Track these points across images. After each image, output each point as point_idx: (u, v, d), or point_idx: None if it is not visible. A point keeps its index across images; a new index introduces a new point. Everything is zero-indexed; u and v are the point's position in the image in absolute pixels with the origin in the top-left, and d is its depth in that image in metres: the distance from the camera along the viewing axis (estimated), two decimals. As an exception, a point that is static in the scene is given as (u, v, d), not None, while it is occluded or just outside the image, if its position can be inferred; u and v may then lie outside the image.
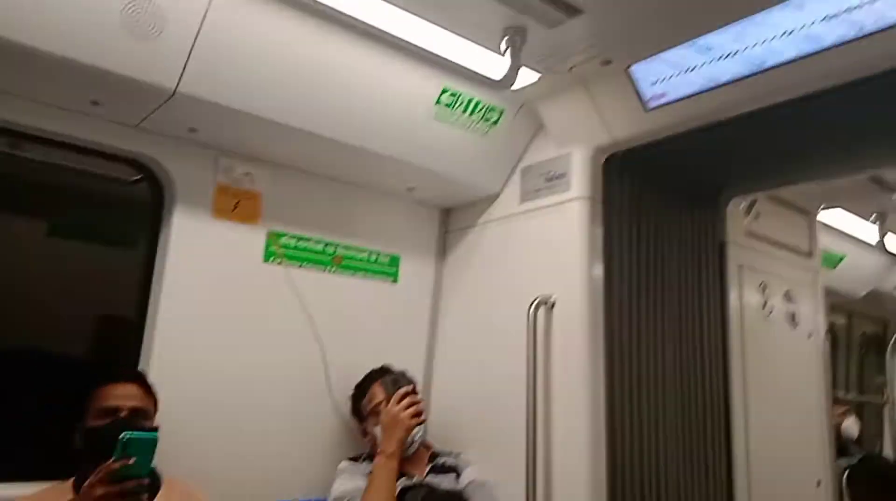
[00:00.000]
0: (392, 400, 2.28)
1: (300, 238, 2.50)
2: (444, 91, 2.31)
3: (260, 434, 2.31)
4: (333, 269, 2.57)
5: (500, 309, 2.49)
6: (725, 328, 2.86)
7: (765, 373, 2.96)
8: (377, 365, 2.46)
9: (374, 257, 2.68)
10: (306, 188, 2.54)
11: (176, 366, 2.14)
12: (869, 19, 1.77)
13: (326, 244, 2.56)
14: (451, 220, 2.88)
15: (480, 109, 2.42)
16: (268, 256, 2.41)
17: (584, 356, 2.24)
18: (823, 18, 1.83)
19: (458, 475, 2.33)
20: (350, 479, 2.20)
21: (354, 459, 2.31)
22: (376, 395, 2.36)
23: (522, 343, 2.28)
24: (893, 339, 5.48)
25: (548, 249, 2.42)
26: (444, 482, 2.27)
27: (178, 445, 1.95)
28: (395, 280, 2.73)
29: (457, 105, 2.36)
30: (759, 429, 2.86)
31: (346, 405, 2.48)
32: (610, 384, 2.26)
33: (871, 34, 1.79)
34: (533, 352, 2.26)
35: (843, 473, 3.59)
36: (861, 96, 2.07)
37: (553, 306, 2.33)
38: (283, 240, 2.46)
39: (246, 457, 2.26)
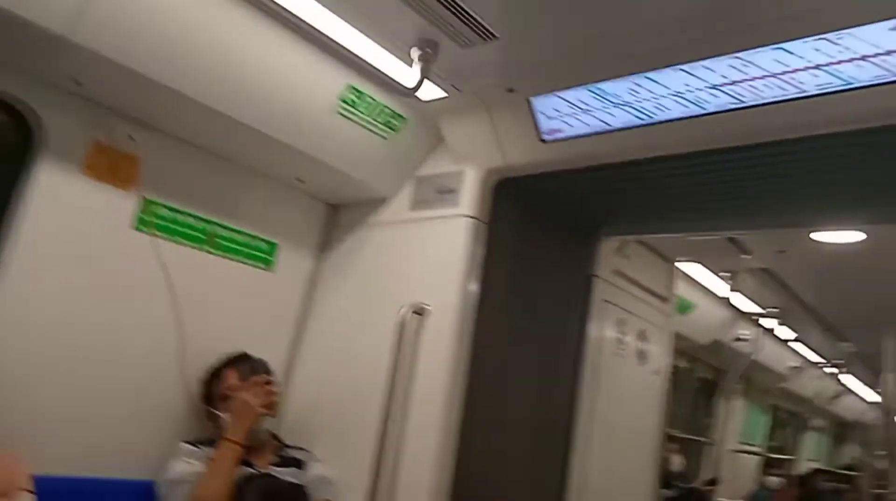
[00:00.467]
0: (246, 387, 2.23)
1: (176, 211, 2.39)
2: (350, 88, 2.30)
3: (97, 405, 2.17)
4: (206, 248, 2.47)
5: (374, 312, 2.50)
6: (581, 355, 3.02)
7: (610, 403, 3.14)
8: (237, 351, 2.40)
9: (251, 242, 2.60)
10: (191, 162, 2.44)
11: (20, 322, 2.00)
12: (747, 95, 1.95)
13: (203, 222, 2.47)
14: (338, 216, 2.86)
15: (384, 114, 2.43)
16: (138, 224, 2.29)
17: (447, 369, 2.28)
18: (710, 87, 2.00)
19: (304, 469, 2.30)
20: (187, 462, 2.12)
21: (195, 443, 2.22)
22: (230, 380, 2.29)
23: (388, 348, 2.30)
24: (726, 386, 6.02)
25: (429, 259, 2.45)
26: (289, 475, 2.24)
27: (10, 403, 1.85)
28: (270, 268, 2.66)
29: (361, 104, 2.36)
30: (597, 454, 3.02)
31: (197, 388, 2.38)
32: (467, 400, 2.32)
33: (747, 107, 1.97)
34: (398, 358, 2.29)
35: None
36: (731, 163, 2.27)
37: (425, 315, 2.36)
38: (158, 210, 2.34)
39: (78, 425, 2.12)
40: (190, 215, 2.43)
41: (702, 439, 6.22)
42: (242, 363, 2.33)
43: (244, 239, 2.58)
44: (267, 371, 2.34)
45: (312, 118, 2.30)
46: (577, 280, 3.05)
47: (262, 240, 2.64)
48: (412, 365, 2.32)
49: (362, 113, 2.37)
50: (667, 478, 4.57)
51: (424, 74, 2.08)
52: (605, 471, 3.07)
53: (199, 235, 2.46)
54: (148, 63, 1.93)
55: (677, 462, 5.15)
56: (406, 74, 2.09)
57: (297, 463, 2.31)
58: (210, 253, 2.49)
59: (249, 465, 2.18)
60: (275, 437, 2.39)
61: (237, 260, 2.57)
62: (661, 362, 3.68)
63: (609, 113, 2.19)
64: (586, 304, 3.08)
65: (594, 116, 2.23)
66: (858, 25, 1.70)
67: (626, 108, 2.15)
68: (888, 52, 1.69)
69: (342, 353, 2.58)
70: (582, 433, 2.95)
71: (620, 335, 3.33)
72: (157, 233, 2.33)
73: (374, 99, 2.37)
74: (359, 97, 2.34)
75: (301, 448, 2.39)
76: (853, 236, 3.45)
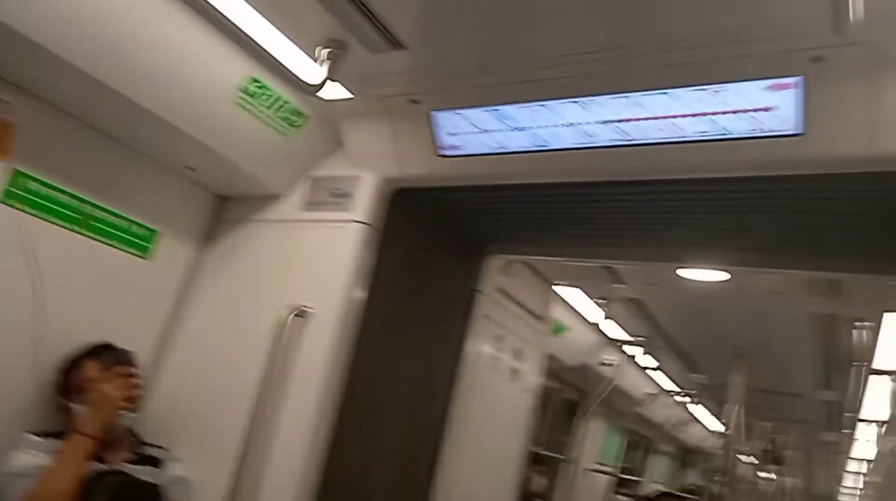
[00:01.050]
0: (107, 378, 2.09)
1: (50, 187, 2.22)
2: (253, 80, 2.24)
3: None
4: (80, 229, 2.31)
5: (254, 311, 2.43)
6: (459, 368, 3.07)
7: (481, 416, 3.22)
8: (100, 341, 2.25)
9: (129, 227, 2.45)
10: (73, 136, 2.28)
11: None
12: (633, 133, 2.08)
13: (79, 201, 2.30)
14: (226, 209, 2.76)
15: (285, 109, 2.38)
16: (4, 196, 2.11)
17: (323, 375, 2.25)
18: (601, 121, 2.11)
19: (161, 469, 2.19)
20: (32, 454, 1.96)
21: (42, 434, 2.04)
22: (90, 370, 2.14)
23: (266, 348, 2.24)
24: (588, 407, 6.30)
25: (316, 262, 2.42)
26: (144, 473, 2.13)
27: None
28: (147, 256, 2.52)
29: (261, 97, 2.30)
30: (464, 466, 3.07)
31: (53, 377, 2.21)
32: (340, 407, 2.30)
33: (632, 145, 2.10)
34: (273, 361, 2.23)
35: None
36: (611, 196, 2.40)
37: (307, 317, 2.32)
38: (29, 184, 2.17)
39: None
40: (65, 192, 2.26)
41: (561, 457, 6.48)
42: (105, 353, 2.19)
43: (122, 223, 2.43)
44: (131, 364, 2.21)
45: (209, 106, 2.21)
46: (462, 294, 3.11)
47: (142, 226, 2.50)
48: (287, 368, 2.27)
49: (262, 106, 2.32)
50: (527, 497, 4.72)
51: (330, 75, 2.06)
52: (469, 483, 3.13)
53: (74, 214, 2.29)
54: (30, 23, 1.79)
55: (540, 482, 5.33)
56: (311, 71, 2.06)
57: (155, 462, 2.19)
58: (83, 235, 2.32)
59: (102, 461, 2.04)
60: (133, 433, 2.25)
61: (112, 245, 2.41)
62: (533, 380, 3.81)
63: (507, 136, 2.26)
64: (468, 318, 3.15)
65: (491, 138, 2.29)
66: (736, 81, 1.86)
67: (524, 132, 2.23)
68: (760, 109, 1.86)
69: (215, 351, 2.48)
70: (451, 445, 3.00)
71: (497, 351, 3.42)
72: (26, 208, 2.16)
73: (275, 93, 2.32)
74: (260, 89, 2.28)
75: (160, 447, 2.27)
76: (717, 275, 3.75)
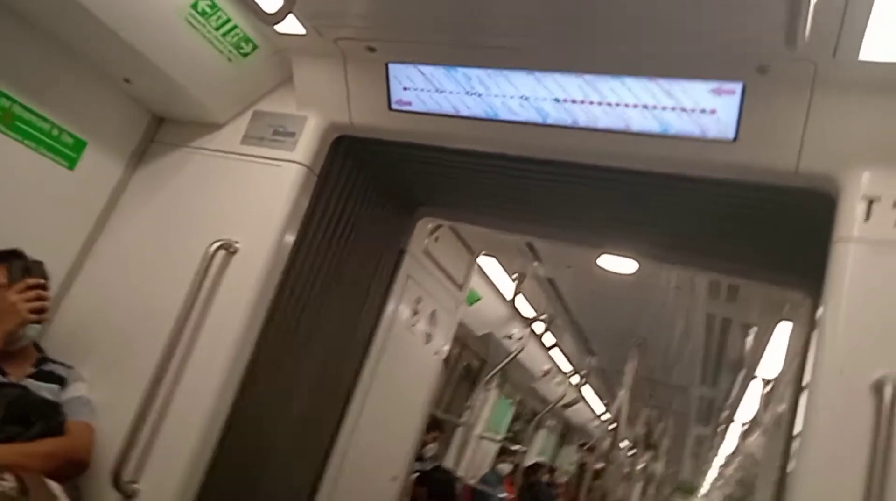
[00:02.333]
0: (15, 288, 1.98)
1: (-31, 73, 2.04)
2: (205, -3, 2.14)
3: None
4: (0, 127, 2.15)
5: (180, 238, 2.35)
6: (377, 324, 3.10)
7: (391, 374, 3.25)
8: (9, 247, 2.11)
9: (56, 132, 2.29)
10: (8, 29, 2.11)
11: None
12: (582, 116, 2.14)
13: (4, 97, 2.13)
14: (161, 130, 2.63)
15: (235, 34, 2.28)
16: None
17: (244, 313, 2.22)
18: (553, 99, 2.15)
19: (64, 387, 2.11)
20: None
21: None
22: None
23: (189, 278, 2.18)
24: (487, 376, 6.50)
25: (250, 198, 2.36)
26: (45, 390, 2.04)
27: None
28: (71, 166, 2.36)
29: (213, 18, 2.19)
30: (367, 420, 3.11)
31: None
32: (256, 348, 2.28)
33: (579, 128, 2.15)
34: (196, 290, 2.18)
35: (415, 474, 4.12)
36: (548, 175, 2.45)
37: (234, 253, 2.27)
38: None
39: None
40: None
41: (458, 421, 6.66)
42: (14, 261, 2.06)
43: (48, 128, 2.26)
44: (43, 275, 2.09)
45: (157, 17, 2.10)
46: (389, 252, 3.11)
47: (71, 135, 2.34)
48: (209, 301, 2.22)
49: (212, 27, 2.21)
50: (419, 458, 4.83)
51: (289, 7, 1.98)
52: (370, 437, 3.17)
53: None
54: None
55: (433, 448, 5.46)
56: (269, 0, 1.99)
57: (58, 380, 2.10)
58: (4, 133, 2.15)
59: (2, 373, 1.95)
60: (37, 348, 2.15)
61: (35, 149, 2.24)
62: (443, 345, 3.88)
63: (461, 99, 2.26)
64: (392, 276, 3.16)
65: (445, 98, 2.29)
66: (684, 78, 1.94)
67: (478, 98, 2.24)
68: (703, 111, 1.95)
69: (136, 274, 2.39)
70: (360, 397, 3.03)
71: (414, 312, 3.45)
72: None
73: (227, 16, 2.22)
74: (212, 9, 2.17)
75: (65, 365, 2.18)
76: (629, 266, 3.93)
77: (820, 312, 1.79)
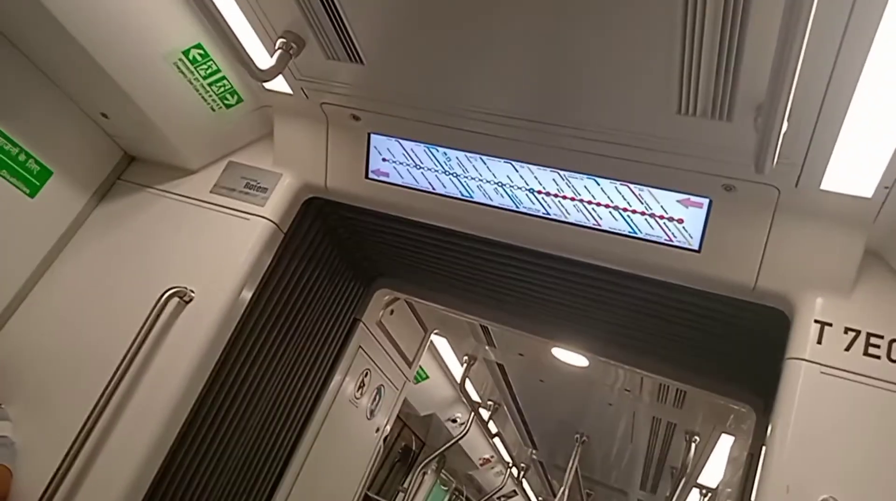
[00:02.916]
0: None
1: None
2: (197, 45, 2.15)
3: None
4: (-36, 143, 2.07)
5: (134, 280, 2.28)
6: (322, 393, 3.01)
7: (329, 446, 3.14)
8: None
9: (22, 158, 2.22)
10: None
11: None
12: (555, 209, 2.18)
13: None
14: (129, 169, 2.59)
15: (222, 85, 2.30)
16: None
17: (192, 364, 2.15)
18: (528, 189, 2.20)
19: None
20: None
21: None
22: None
23: (138, 323, 2.10)
24: (426, 460, 6.31)
25: (212, 248, 2.32)
26: None
27: None
28: (32, 194, 2.27)
29: (203, 66, 2.21)
30: (300, 492, 2.97)
31: None
32: (201, 399, 2.19)
33: (551, 219, 2.19)
34: (144, 336, 2.10)
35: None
36: (513, 262, 2.48)
37: (189, 302, 2.21)
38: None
39: None
40: None
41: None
42: None
43: (16, 152, 2.19)
44: None
45: (146, 59, 2.10)
46: (343, 320, 3.06)
47: (37, 161, 2.27)
48: (155, 349, 2.14)
49: (200, 75, 2.22)
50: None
51: (281, 67, 2.02)
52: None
53: None
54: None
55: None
56: (262, 58, 2.01)
57: None
58: None
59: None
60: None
61: None
62: (385, 422, 3.78)
63: (438, 177, 2.30)
64: (343, 345, 3.10)
65: (422, 174, 2.32)
66: (652, 187, 2.01)
67: (454, 178, 2.28)
68: (671, 219, 2.01)
69: (81, 312, 2.29)
70: (293, 469, 2.91)
71: (361, 384, 3.37)
72: None
73: (217, 66, 2.24)
74: (203, 59, 2.19)
75: None
76: (580, 361, 3.93)
77: (770, 429, 1.80)
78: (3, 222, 2.24)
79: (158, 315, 2.12)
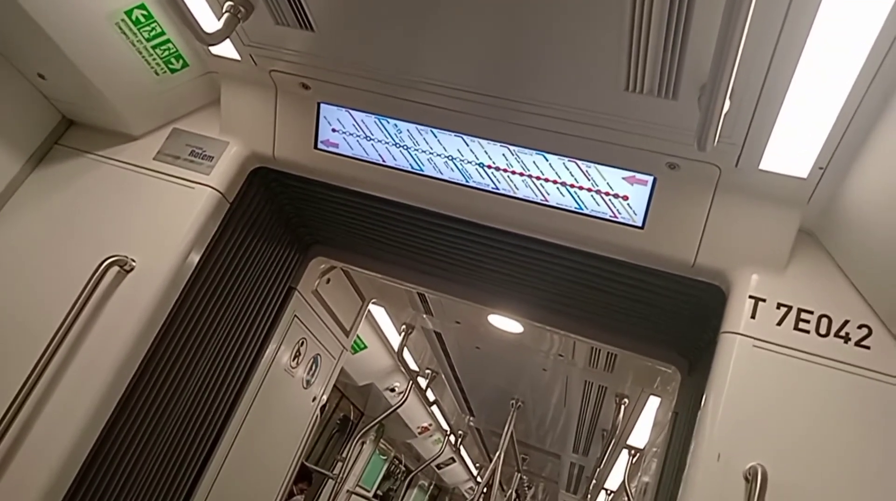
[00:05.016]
0: None
1: None
2: (140, 6, 2.07)
3: None
4: None
5: (71, 248, 2.20)
6: (257, 362, 2.99)
7: (264, 415, 3.13)
8: None
9: None
10: None
11: None
12: (504, 183, 2.22)
13: None
14: (68, 133, 2.47)
15: (167, 49, 2.22)
16: None
17: (133, 333, 2.10)
18: (478, 163, 2.23)
19: None
20: None
21: None
22: None
23: (76, 291, 2.03)
24: (364, 429, 6.36)
25: (155, 217, 2.26)
26: None
27: None
28: None
29: (146, 28, 2.12)
30: (235, 461, 2.96)
31: None
32: (140, 369, 2.16)
33: (499, 194, 2.23)
34: (81, 305, 2.03)
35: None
36: (453, 233, 2.51)
37: (129, 271, 2.15)
38: None
39: None
40: None
41: (329, 474, 6.44)
42: None
43: (-60, 111, 2.07)
44: None
45: (85, 17, 2.01)
46: (279, 288, 3.03)
47: (-36, 124, 2.14)
48: (93, 319, 2.08)
49: (144, 37, 2.14)
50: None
51: (228, 30, 1.96)
52: (236, 482, 3.02)
53: None
54: None
55: (298, 500, 5.25)
56: (209, 21, 1.95)
57: None
58: None
59: None
60: None
61: None
62: (322, 392, 3.78)
63: (388, 149, 2.29)
64: (278, 313, 3.08)
65: (372, 146, 2.31)
66: (598, 163, 2.07)
67: (404, 150, 2.28)
68: (616, 196, 2.09)
69: (15, 279, 2.20)
70: (228, 437, 2.89)
71: (297, 353, 3.36)
72: None
73: (162, 29, 2.16)
74: (146, 20, 2.11)
75: None
76: (514, 327, 4.02)
77: (704, 398, 1.91)
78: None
79: (97, 284, 2.06)
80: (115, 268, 2.12)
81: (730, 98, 1.40)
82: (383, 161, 2.31)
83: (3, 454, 1.92)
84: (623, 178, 2.08)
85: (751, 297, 1.92)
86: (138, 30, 2.11)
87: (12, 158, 2.34)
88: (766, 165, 1.79)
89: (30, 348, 1.99)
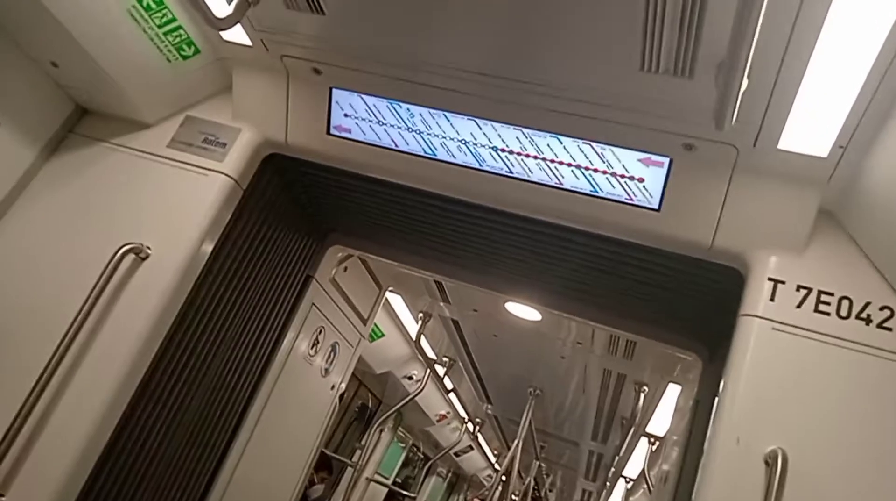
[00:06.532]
0: None
1: None
2: (152, -7, 2.07)
3: None
4: None
5: (87, 236, 2.21)
6: (275, 350, 3.00)
7: (283, 403, 3.15)
8: None
9: None
10: None
11: None
12: (518, 167, 2.19)
13: None
14: (82, 122, 2.48)
15: (178, 35, 2.22)
16: None
17: (150, 320, 2.11)
18: (492, 147, 2.20)
19: None
20: None
21: None
22: None
23: (92, 279, 2.04)
24: (382, 417, 6.39)
25: (169, 204, 2.26)
26: None
27: None
28: None
29: (157, 14, 2.13)
30: (255, 450, 2.98)
31: None
32: (158, 356, 2.17)
33: (512, 177, 2.20)
34: (98, 293, 2.05)
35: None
36: (469, 218, 2.49)
37: (145, 258, 2.16)
38: None
39: None
40: None
41: (348, 462, 6.48)
42: None
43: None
44: None
45: (97, 3, 2.00)
46: (296, 276, 3.04)
47: (-19, 109, 2.16)
48: (110, 306, 2.09)
49: (155, 24, 2.14)
50: (307, 495, 4.66)
51: (239, 15, 1.95)
52: (257, 470, 3.04)
53: None
54: None
55: (319, 490, 5.29)
56: (220, 6, 1.94)
57: None
58: None
59: None
60: None
61: None
62: (340, 380, 3.79)
63: (401, 133, 2.28)
64: (296, 302, 3.08)
65: (385, 131, 2.30)
66: (613, 145, 2.04)
67: (417, 135, 2.26)
68: (632, 178, 2.05)
69: (32, 268, 2.22)
70: (248, 426, 2.91)
71: (314, 342, 3.37)
72: None
73: (173, 15, 2.16)
74: (158, 6, 2.11)
75: None
76: (533, 315, 4.00)
77: (722, 382, 1.88)
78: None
79: (113, 272, 2.07)
80: (131, 256, 2.13)
81: (748, 76, 1.37)
82: (396, 146, 2.30)
83: (25, 440, 1.94)
84: (639, 160, 2.05)
85: (770, 279, 1.88)
86: (150, 16, 2.11)
87: (28, 147, 2.35)
88: (784, 144, 1.75)
89: (48, 335, 2.00)
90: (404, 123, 2.25)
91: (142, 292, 2.13)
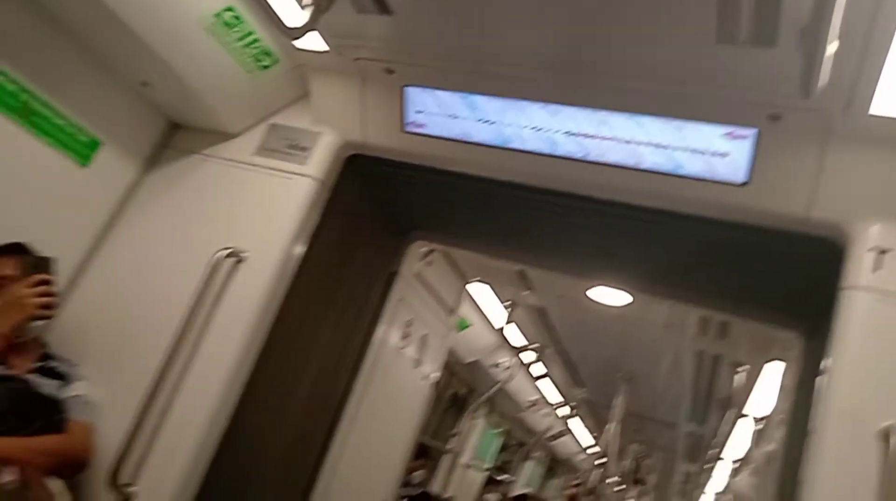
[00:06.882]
0: (25, 281, 1.95)
1: (-1, 70, 2.04)
2: (228, 9, 2.16)
3: None
4: (17, 118, 2.11)
5: (190, 243, 2.34)
6: (368, 345, 3.09)
7: (379, 396, 3.23)
8: (16, 241, 2.07)
9: (71, 130, 2.27)
10: (35, 22, 2.10)
11: None
12: (594, 150, 2.16)
13: (22, 89, 2.11)
14: (176, 136, 2.63)
15: (256, 47, 2.31)
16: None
17: (250, 321, 2.22)
18: (565, 132, 2.18)
19: (66, 384, 2.06)
20: None
21: None
22: (6, 268, 1.99)
23: (195, 283, 2.17)
24: (474, 405, 6.46)
25: (260, 209, 2.37)
26: (48, 386, 1.99)
27: None
28: (84, 163, 2.34)
29: (236, 29, 2.22)
30: (356, 440, 3.08)
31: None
32: (261, 355, 2.27)
33: (590, 162, 2.18)
34: (202, 296, 2.17)
35: (402, 500, 4.07)
36: (554, 206, 2.47)
37: (241, 262, 2.26)
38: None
39: None
40: (10, 76, 2.07)
41: (444, 449, 6.59)
42: (26, 254, 2.03)
43: (63, 124, 2.24)
44: (51, 271, 2.05)
45: (179, 24, 2.11)
46: (382, 273, 3.11)
47: (85, 133, 2.32)
48: (214, 308, 2.20)
49: (234, 38, 2.24)
50: (406, 484, 4.77)
51: (312, 23, 2.00)
52: (358, 460, 3.14)
53: (13, 101, 2.09)
54: None
55: (421, 475, 5.42)
56: (293, 15, 2.01)
57: (61, 377, 2.05)
58: (20, 125, 2.12)
59: (4, 364, 1.91)
60: (41, 343, 2.11)
61: (50, 144, 2.21)
62: (432, 370, 3.86)
63: (474, 125, 2.29)
64: (384, 298, 3.16)
65: (458, 124, 2.32)
66: (696, 121, 1.98)
67: (491, 126, 2.27)
68: (716, 153, 1.99)
69: (142, 275, 2.37)
70: (347, 419, 3.00)
71: (405, 336, 3.44)
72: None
73: (249, 28, 2.25)
74: (236, 21, 2.20)
75: (68, 362, 2.13)
76: (621, 299, 3.94)
77: (828, 358, 1.80)
78: (60, 192, 2.30)
79: (214, 275, 2.19)
80: (230, 259, 2.24)
81: (836, 38, 1.30)
82: (470, 138, 2.32)
83: (147, 437, 2.07)
84: (722, 134, 1.98)
85: (872, 249, 1.78)
86: (228, 31, 2.21)
87: (129, 163, 2.52)
88: (876, 109, 1.65)
89: (161, 336, 2.13)
90: (476, 114, 2.26)
91: (242, 293, 2.24)
